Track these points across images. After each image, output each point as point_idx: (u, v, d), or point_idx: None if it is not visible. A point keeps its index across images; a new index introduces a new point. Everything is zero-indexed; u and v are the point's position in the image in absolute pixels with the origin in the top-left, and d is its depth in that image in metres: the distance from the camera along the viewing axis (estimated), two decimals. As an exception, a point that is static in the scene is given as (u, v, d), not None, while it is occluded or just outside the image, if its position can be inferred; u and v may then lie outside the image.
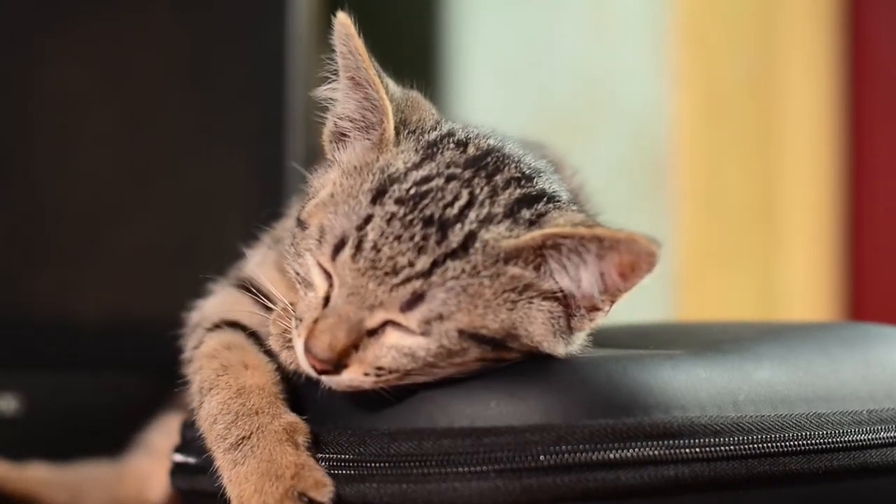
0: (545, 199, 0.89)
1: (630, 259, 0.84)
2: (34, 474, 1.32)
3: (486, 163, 0.90)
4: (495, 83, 2.25)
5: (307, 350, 0.85)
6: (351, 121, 0.93)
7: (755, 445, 0.87)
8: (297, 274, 0.89)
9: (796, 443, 0.88)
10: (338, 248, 0.85)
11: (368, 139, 0.92)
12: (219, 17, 1.59)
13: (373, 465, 0.86)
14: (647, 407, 0.85)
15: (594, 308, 0.88)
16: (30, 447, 1.36)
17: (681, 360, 0.90)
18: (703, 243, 2.22)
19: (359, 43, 0.90)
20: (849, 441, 0.90)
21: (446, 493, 0.84)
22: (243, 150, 1.56)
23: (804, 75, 2.32)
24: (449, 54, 2.22)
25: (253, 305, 0.97)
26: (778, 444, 0.87)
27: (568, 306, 0.87)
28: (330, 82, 0.93)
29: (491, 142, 0.93)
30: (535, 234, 0.85)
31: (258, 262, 1.01)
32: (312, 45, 1.73)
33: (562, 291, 0.87)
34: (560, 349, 0.88)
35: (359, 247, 0.84)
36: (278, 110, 1.56)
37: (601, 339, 1.01)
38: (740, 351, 0.93)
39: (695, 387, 0.88)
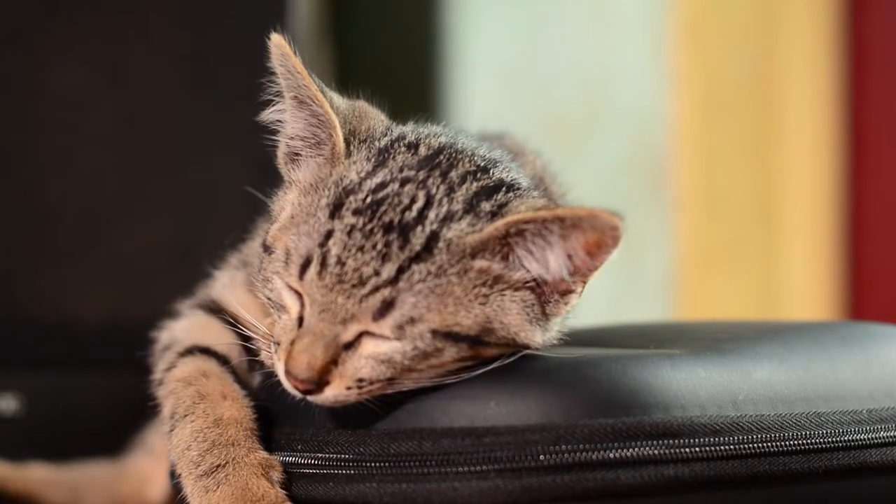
0: (504, 188, 0.89)
1: (595, 236, 0.84)
2: (34, 474, 1.32)
3: (439, 161, 0.90)
4: (495, 83, 2.25)
5: (287, 373, 0.85)
6: (301, 139, 0.93)
7: (755, 445, 0.87)
8: (270, 299, 0.89)
9: (796, 442, 0.88)
10: (304, 267, 0.85)
11: (321, 155, 0.92)
12: (219, 17, 1.59)
13: (373, 464, 0.86)
14: (646, 406, 0.85)
15: (567, 291, 0.88)
16: (30, 447, 1.36)
17: (680, 359, 0.90)
18: (703, 243, 2.22)
19: (296, 61, 0.90)
20: (848, 440, 0.90)
21: (446, 492, 0.84)
22: (243, 150, 1.56)
23: (804, 75, 2.32)
24: (449, 54, 2.22)
25: (223, 329, 0.98)
26: (778, 443, 0.87)
27: (541, 293, 0.87)
28: (274, 104, 0.93)
29: (442, 139, 0.93)
30: (498, 224, 0.85)
31: (227, 285, 1.02)
32: (312, 45, 1.73)
33: (533, 279, 0.87)
34: (537, 337, 0.88)
35: (323, 263, 0.84)
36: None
37: (601, 338, 1.01)
38: (740, 350, 0.93)
39: (694, 386, 0.88)
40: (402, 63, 2.25)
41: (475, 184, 0.88)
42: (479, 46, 2.23)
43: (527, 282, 0.87)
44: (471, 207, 0.87)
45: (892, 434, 0.93)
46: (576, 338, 1.05)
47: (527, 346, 0.87)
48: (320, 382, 0.85)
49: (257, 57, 1.60)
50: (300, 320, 0.86)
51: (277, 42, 0.91)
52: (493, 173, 0.90)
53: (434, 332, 0.84)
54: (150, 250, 1.55)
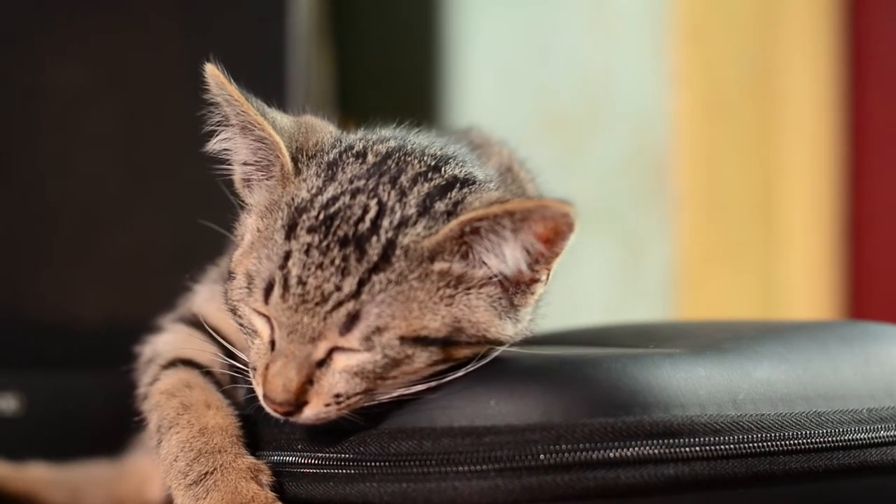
0: (458, 185, 0.88)
1: (548, 225, 0.84)
2: (34, 474, 1.32)
3: (388, 167, 0.89)
4: (495, 83, 2.25)
5: (265, 397, 0.85)
6: (251, 164, 0.93)
7: (755, 444, 0.87)
8: (241, 325, 0.89)
9: (796, 441, 0.88)
10: (267, 291, 0.85)
11: (272, 177, 0.92)
12: (219, 17, 1.59)
13: (373, 464, 0.86)
14: (646, 406, 0.85)
15: (532, 280, 0.87)
16: (30, 447, 1.36)
17: (680, 358, 0.90)
18: (703, 243, 2.22)
19: (232, 89, 0.90)
20: (848, 440, 0.90)
21: (446, 492, 0.84)
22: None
23: (804, 75, 2.32)
24: (449, 54, 2.22)
25: (205, 342, 0.98)
26: (777, 442, 0.87)
27: (507, 286, 0.87)
28: (219, 134, 0.93)
29: (391, 143, 0.92)
30: (452, 225, 0.85)
31: (207, 299, 1.01)
32: (312, 45, 1.73)
33: (495, 275, 0.86)
34: (508, 330, 0.87)
35: (285, 285, 0.84)
36: (278, 110, 1.56)
37: (601, 338, 1.01)
38: (740, 349, 0.93)
39: (694, 385, 0.88)
40: (402, 63, 2.25)
41: (426, 185, 0.88)
42: (479, 46, 2.23)
43: (490, 277, 0.86)
44: (425, 209, 0.86)
45: (892, 433, 0.93)
46: (576, 337, 1.05)
47: (499, 342, 0.87)
48: (298, 403, 0.85)
49: (257, 57, 1.61)
50: (272, 344, 0.86)
51: (212, 72, 0.91)
52: (444, 171, 0.90)
53: (402, 339, 0.84)
54: (150, 250, 1.55)
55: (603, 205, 2.16)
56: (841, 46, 2.37)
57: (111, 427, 1.31)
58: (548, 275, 0.88)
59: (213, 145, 0.94)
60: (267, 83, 1.59)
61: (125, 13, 1.58)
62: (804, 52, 2.32)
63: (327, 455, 0.87)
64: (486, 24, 2.23)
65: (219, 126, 0.93)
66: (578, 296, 2.16)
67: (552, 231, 0.84)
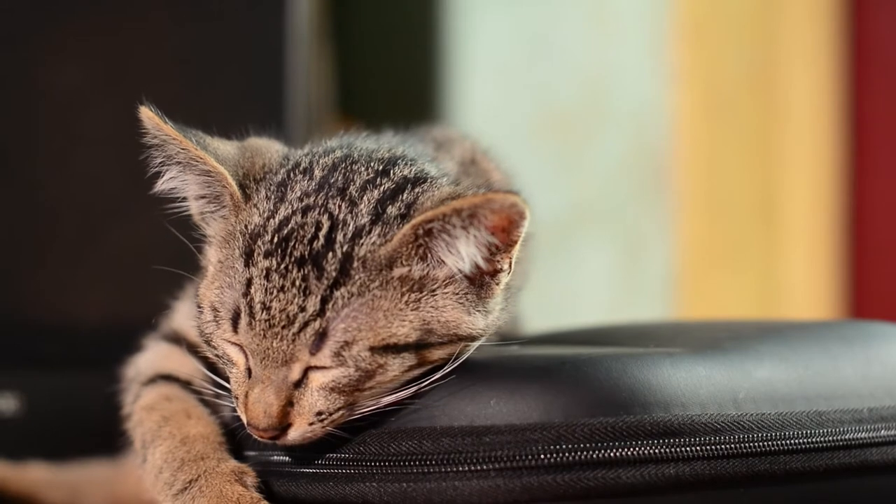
0: (409, 185, 0.88)
1: (499, 216, 0.84)
2: (34, 474, 1.32)
3: (335, 179, 0.88)
4: (495, 83, 2.25)
5: (249, 425, 0.85)
6: (203, 198, 0.92)
7: (756, 444, 0.87)
8: (218, 356, 0.89)
9: (797, 441, 0.88)
10: (235, 320, 0.85)
11: (224, 207, 0.91)
12: (219, 17, 1.59)
13: (373, 464, 0.86)
14: (647, 405, 0.85)
15: (495, 271, 0.87)
16: (30, 447, 1.36)
17: (681, 358, 0.90)
18: (704, 243, 2.22)
19: (168, 129, 0.89)
20: (849, 439, 0.90)
21: (446, 491, 0.84)
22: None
23: (805, 74, 2.32)
24: (449, 54, 2.22)
25: (185, 357, 0.97)
26: (778, 442, 0.87)
27: (471, 281, 0.87)
28: (164, 174, 0.92)
29: (337, 154, 0.92)
30: (405, 230, 0.84)
31: (187, 315, 1.01)
32: (312, 45, 1.73)
33: (456, 272, 0.86)
34: (479, 323, 0.87)
35: (251, 312, 0.84)
36: (278, 110, 1.56)
37: (602, 337, 1.01)
38: (741, 349, 0.93)
39: (695, 385, 0.87)
40: (402, 63, 2.25)
41: (376, 191, 0.87)
42: (479, 46, 2.23)
43: (452, 276, 0.86)
44: (377, 216, 0.86)
45: (892, 433, 0.93)
46: (576, 337, 1.05)
47: (472, 337, 0.87)
48: (282, 426, 0.85)
49: (257, 57, 1.61)
50: (249, 371, 0.86)
51: (146, 115, 0.90)
52: (393, 173, 0.89)
53: (372, 349, 0.84)
54: (150, 250, 1.55)
55: (603, 205, 2.16)
56: (841, 45, 2.37)
57: (111, 427, 1.31)
58: (510, 264, 0.87)
59: (162, 185, 0.93)
60: (267, 83, 1.59)
61: (125, 13, 1.58)
62: (804, 52, 2.31)
63: (327, 455, 0.87)
64: (487, 23, 2.23)
65: (163, 166, 0.92)
66: (578, 296, 2.16)
67: (505, 221, 0.84)
